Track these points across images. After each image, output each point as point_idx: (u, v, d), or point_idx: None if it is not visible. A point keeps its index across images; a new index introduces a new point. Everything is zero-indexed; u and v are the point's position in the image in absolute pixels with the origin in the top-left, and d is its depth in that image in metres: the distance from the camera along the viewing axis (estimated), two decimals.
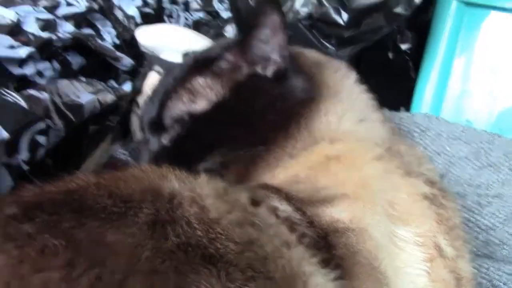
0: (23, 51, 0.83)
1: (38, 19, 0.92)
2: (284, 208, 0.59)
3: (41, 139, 0.75)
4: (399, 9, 1.12)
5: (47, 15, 0.95)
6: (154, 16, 1.31)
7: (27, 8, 0.92)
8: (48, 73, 0.89)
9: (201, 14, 1.51)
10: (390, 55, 1.39)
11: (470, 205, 0.93)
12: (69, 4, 1.02)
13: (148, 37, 1.15)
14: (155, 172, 0.56)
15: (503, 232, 0.90)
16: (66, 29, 0.98)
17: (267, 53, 0.75)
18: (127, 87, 1.09)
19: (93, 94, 0.92)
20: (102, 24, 1.11)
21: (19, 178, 0.71)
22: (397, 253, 0.61)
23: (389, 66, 1.39)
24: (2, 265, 0.42)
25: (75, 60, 0.98)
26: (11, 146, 0.69)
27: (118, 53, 1.08)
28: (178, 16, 1.44)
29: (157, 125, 0.77)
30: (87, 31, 1.06)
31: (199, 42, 1.11)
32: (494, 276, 0.85)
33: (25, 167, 0.73)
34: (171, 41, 1.13)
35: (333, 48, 1.16)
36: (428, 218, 0.65)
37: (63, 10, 1.00)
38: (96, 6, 1.09)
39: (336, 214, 0.60)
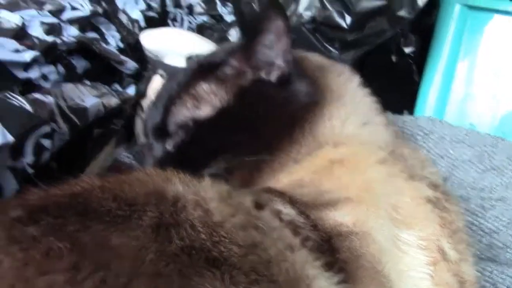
0: (28, 55, 0.84)
1: (42, 23, 0.92)
2: (288, 211, 0.59)
3: (46, 142, 0.76)
4: (402, 13, 1.12)
5: (51, 19, 0.95)
6: (158, 19, 1.31)
7: (32, 12, 0.93)
8: (53, 76, 0.90)
9: (205, 18, 1.51)
10: (394, 58, 1.39)
11: (473, 209, 0.93)
12: (73, 8, 1.03)
13: (152, 40, 1.15)
14: (159, 175, 0.56)
15: (507, 235, 0.90)
16: (71, 33, 0.98)
17: (271, 58, 0.75)
18: (131, 90, 1.10)
19: (97, 98, 0.93)
20: (107, 28, 1.11)
21: (24, 181, 0.71)
22: (400, 256, 0.61)
23: (392, 69, 1.39)
24: (7, 268, 0.42)
25: (80, 64, 0.99)
26: (16, 150, 0.69)
27: (122, 57, 1.08)
28: (182, 19, 1.44)
29: (161, 131, 0.77)
30: (92, 34, 1.06)
31: (203, 46, 1.11)
32: (498, 280, 0.85)
33: (30, 171, 0.73)
34: (175, 45, 1.13)
35: (337, 52, 1.16)
36: (432, 222, 0.65)
37: (67, 14, 1.00)
38: (100, 10, 1.10)
39: (339, 217, 0.60)
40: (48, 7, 0.98)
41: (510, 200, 0.94)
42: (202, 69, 0.79)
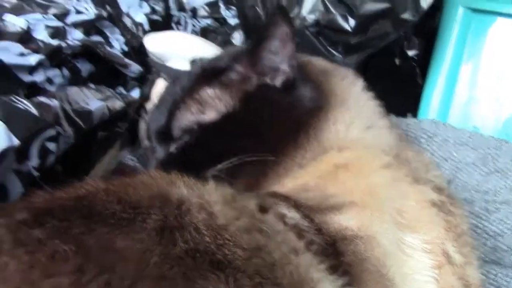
0: (33, 59, 0.84)
1: (47, 27, 0.93)
2: (292, 215, 0.59)
3: (51, 145, 0.76)
4: (406, 15, 1.12)
5: (56, 23, 0.96)
6: (162, 23, 1.32)
7: (37, 16, 0.93)
8: (58, 80, 0.90)
9: (208, 21, 1.51)
10: (397, 61, 1.39)
11: (477, 211, 0.93)
12: (78, 12, 1.03)
13: (156, 44, 1.16)
14: (164, 178, 0.56)
15: (511, 238, 0.90)
16: (75, 36, 0.99)
17: (277, 64, 0.75)
18: (135, 93, 1.10)
19: (102, 101, 0.93)
20: (111, 31, 1.12)
21: (30, 184, 0.71)
22: (405, 260, 0.61)
23: (396, 72, 1.39)
24: (13, 270, 0.42)
25: (84, 67, 0.99)
26: (22, 153, 0.70)
27: (127, 60, 1.09)
28: (186, 23, 1.44)
29: (164, 135, 0.77)
30: (96, 38, 1.07)
31: (207, 49, 1.11)
32: (502, 282, 0.85)
33: (36, 174, 0.73)
34: (179, 48, 1.14)
35: (340, 55, 1.16)
36: (436, 225, 0.65)
37: (72, 18, 1.01)
38: (105, 14, 1.10)
39: (344, 221, 0.60)
40: (53, 10, 0.98)
41: None
42: (206, 74, 0.79)
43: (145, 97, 1.09)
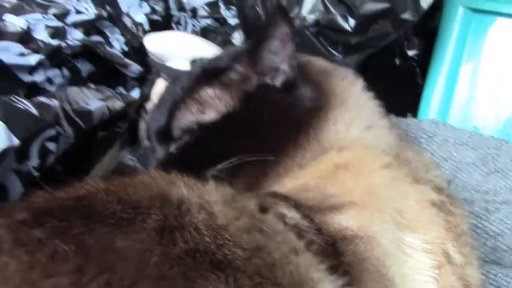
0: (33, 59, 0.84)
1: (47, 27, 0.93)
2: (292, 215, 0.59)
3: (51, 145, 0.76)
4: (406, 15, 1.12)
5: (56, 23, 0.96)
6: (162, 23, 1.32)
7: (37, 16, 0.93)
8: (58, 80, 0.90)
9: (208, 21, 1.51)
10: (397, 61, 1.39)
11: (477, 211, 0.93)
12: (78, 12, 1.03)
13: (156, 44, 1.16)
14: (164, 178, 0.56)
15: (511, 238, 0.90)
16: (75, 36, 0.99)
17: (277, 64, 0.76)
18: (135, 93, 1.10)
19: (102, 101, 0.93)
20: (111, 31, 1.12)
21: (30, 184, 0.71)
22: (405, 260, 0.61)
23: (396, 72, 1.39)
24: (13, 270, 0.42)
25: (84, 67, 0.99)
26: (22, 153, 0.70)
27: (127, 60, 1.09)
28: (186, 23, 1.45)
29: (164, 135, 0.77)
30: (96, 38, 1.07)
31: (207, 49, 1.11)
32: (502, 282, 0.85)
33: (36, 173, 0.73)
34: (179, 48, 1.14)
35: (340, 56, 1.16)
36: (436, 225, 0.65)
37: (72, 18, 1.01)
38: (105, 14, 1.10)
39: (344, 221, 0.61)
40: (53, 10, 0.98)
41: None
42: (206, 74, 0.79)
43: (145, 97, 1.09)
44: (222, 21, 1.53)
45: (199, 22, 1.50)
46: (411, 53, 1.38)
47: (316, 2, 1.13)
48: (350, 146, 0.71)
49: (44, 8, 0.97)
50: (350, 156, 0.69)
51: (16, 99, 0.73)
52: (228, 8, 1.54)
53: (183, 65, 1.05)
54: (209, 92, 0.76)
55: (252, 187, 0.70)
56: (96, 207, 0.50)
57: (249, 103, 0.75)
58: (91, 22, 1.06)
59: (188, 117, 0.75)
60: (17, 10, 0.91)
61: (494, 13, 1.21)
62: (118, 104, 0.98)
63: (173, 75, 1.00)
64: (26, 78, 0.83)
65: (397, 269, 0.59)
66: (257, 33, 0.75)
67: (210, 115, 0.74)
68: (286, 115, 0.74)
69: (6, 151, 0.64)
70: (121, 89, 1.08)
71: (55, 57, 0.90)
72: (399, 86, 1.38)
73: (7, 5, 0.94)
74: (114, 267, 0.43)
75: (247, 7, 1.27)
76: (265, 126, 0.73)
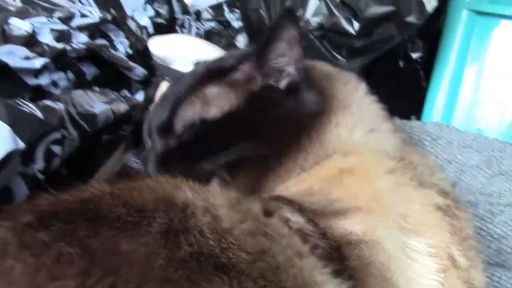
0: (38, 62, 0.84)
1: (52, 30, 0.93)
2: (296, 219, 0.59)
3: (56, 149, 0.76)
4: (411, 18, 1.12)
5: (61, 26, 0.96)
6: (166, 26, 1.32)
7: (42, 19, 0.93)
8: (63, 83, 0.90)
9: (212, 24, 1.52)
10: (401, 64, 1.39)
11: (482, 214, 0.93)
12: (83, 15, 1.03)
13: (161, 47, 1.16)
14: (169, 182, 0.57)
15: None
16: (80, 39, 0.99)
17: (283, 66, 0.76)
18: (139, 96, 1.10)
19: (106, 104, 0.93)
20: (115, 35, 1.12)
21: (35, 187, 0.72)
22: (409, 264, 0.61)
23: (400, 75, 1.39)
24: (19, 274, 0.42)
25: (89, 70, 0.99)
26: (27, 156, 0.70)
27: (131, 63, 1.09)
28: (190, 26, 1.45)
29: (165, 130, 0.78)
30: (101, 41, 1.07)
31: (211, 52, 1.12)
32: (507, 285, 0.85)
33: (41, 176, 0.73)
34: (183, 51, 1.14)
35: (344, 59, 1.16)
36: (441, 229, 0.65)
37: (77, 21, 1.01)
38: (109, 17, 1.10)
39: (349, 226, 0.61)
40: (57, 14, 0.98)
41: None
42: (211, 73, 0.80)
43: (149, 100, 1.10)
44: (226, 24, 1.53)
45: (203, 25, 1.50)
46: (415, 55, 1.38)
47: (320, 5, 1.13)
48: (354, 150, 0.72)
49: (49, 12, 0.97)
50: (355, 160, 0.69)
51: (22, 102, 0.73)
52: (232, 11, 1.54)
53: (188, 68, 1.05)
54: (213, 90, 0.76)
55: (254, 187, 0.71)
56: (101, 210, 0.50)
57: (253, 103, 0.75)
58: (96, 25, 1.06)
59: (191, 113, 0.75)
60: (22, 14, 0.92)
61: (498, 16, 1.21)
62: (122, 107, 0.98)
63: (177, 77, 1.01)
64: (31, 81, 0.83)
65: (402, 273, 0.59)
66: (265, 35, 0.75)
67: (213, 112, 0.75)
68: (289, 117, 0.75)
69: (11, 154, 0.64)
70: (126, 92, 1.08)
71: (60, 60, 0.90)
72: (403, 88, 1.37)
73: (12, 8, 0.95)
74: (119, 270, 0.43)
75: (250, 10, 1.27)
76: (267, 126, 0.74)
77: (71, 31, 0.97)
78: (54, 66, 0.88)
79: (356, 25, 1.11)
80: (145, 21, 1.23)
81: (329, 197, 0.64)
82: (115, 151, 1.00)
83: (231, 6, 1.55)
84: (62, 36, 0.94)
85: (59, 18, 0.97)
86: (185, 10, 1.46)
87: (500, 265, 0.89)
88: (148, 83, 1.14)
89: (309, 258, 0.53)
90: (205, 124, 0.74)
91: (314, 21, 1.14)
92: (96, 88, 0.98)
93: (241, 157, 0.72)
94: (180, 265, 0.45)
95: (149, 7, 1.28)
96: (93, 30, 1.05)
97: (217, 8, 1.55)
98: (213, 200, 0.54)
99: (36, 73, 0.84)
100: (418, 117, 1.32)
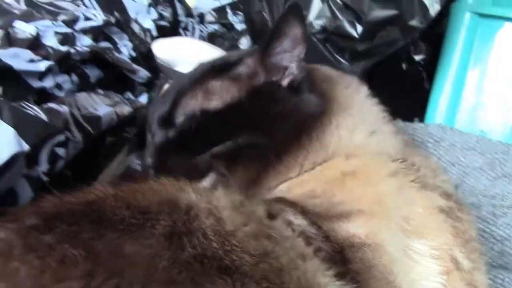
0: (42, 65, 0.85)
1: (57, 33, 0.93)
2: (299, 222, 0.59)
3: (61, 151, 0.76)
4: (414, 22, 1.12)
5: (65, 29, 0.97)
6: (169, 29, 1.32)
7: (47, 22, 0.94)
8: (67, 86, 0.91)
9: (216, 27, 1.52)
10: (404, 66, 1.39)
11: (485, 216, 0.93)
12: (87, 18, 1.04)
13: (164, 49, 1.17)
14: (173, 184, 0.57)
15: None
16: (84, 42, 0.99)
17: (286, 63, 0.76)
18: (143, 99, 1.10)
19: (110, 107, 0.94)
20: (119, 37, 1.12)
21: (39, 189, 0.72)
22: (412, 266, 0.61)
23: (403, 77, 1.39)
24: (24, 275, 0.42)
25: (93, 73, 0.99)
26: (32, 158, 0.70)
27: (135, 66, 1.09)
28: (193, 28, 1.45)
29: (166, 121, 0.78)
30: (105, 44, 1.07)
31: (214, 54, 1.12)
32: (509, 287, 0.85)
33: (45, 179, 0.74)
34: (186, 54, 1.14)
35: (347, 62, 1.16)
36: (444, 231, 0.65)
37: (81, 24, 1.01)
38: (113, 20, 1.11)
39: (352, 229, 0.61)
40: (62, 17, 0.99)
41: None
42: (215, 69, 0.80)
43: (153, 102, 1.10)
44: (229, 26, 1.54)
45: (206, 27, 1.51)
46: (418, 58, 1.38)
47: (323, 8, 1.14)
48: (356, 152, 0.72)
49: (53, 15, 0.98)
50: (357, 163, 0.69)
51: (26, 105, 0.73)
52: (235, 14, 1.55)
53: None
54: (216, 84, 0.77)
55: (252, 182, 0.72)
56: (105, 213, 0.51)
57: (255, 98, 0.75)
58: (100, 28, 1.06)
59: (192, 104, 0.75)
60: (27, 17, 0.92)
61: (501, 18, 1.21)
62: (126, 109, 0.98)
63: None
64: (36, 84, 0.83)
65: (405, 275, 0.59)
66: (270, 29, 0.76)
67: (214, 104, 0.75)
68: (290, 115, 0.75)
69: (16, 156, 0.65)
70: (129, 95, 1.09)
71: (64, 63, 0.90)
72: (406, 90, 1.37)
73: (17, 12, 0.95)
74: (123, 271, 0.44)
75: (254, 12, 1.28)
76: (268, 122, 0.74)
77: (75, 34, 0.98)
78: (58, 68, 0.89)
79: (359, 28, 1.11)
80: (148, 24, 1.24)
81: (332, 200, 0.65)
82: (118, 153, 1.00)
83: (234, 9, 1.55)
84: (66, 39, 0.95)
85: (64, 21, 0.98)
86: (189, 12, 1.46)
87: (503, 267, 0.89)
88: (151, 86, 1.14)
89: (312, 260, 0.53)
90: (206, 115, 0.74)
91: (317, 24, 1.14)
92: (100, 91, 0.98)
93: (241, 148, 0.72)
94: (184, 267, 0.46)
95: (152, 10, 1.28)
96: (97, 33, 1.05)
97: (220, 11, 1.56)
98: (217, 202, 0.54)
99: (41, 75, 0.85)
100: (421, 119, 1.32)
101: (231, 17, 1.54)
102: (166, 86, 1.08)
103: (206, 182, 0.72)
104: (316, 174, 0.70)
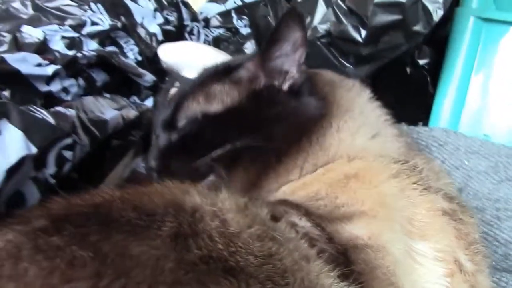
0: (49, 69, 0.86)
1: (64, 38, 0.95)
2: (303, 224, 0.60)
3: (68, 154, 0.77)
4: (418, 27, 1.12)
5: (72, 34, 0.98)
6: (175, 33, 1.33)
7: (54, 27, 0.95)
8: (74, 89, 0.92)
9: (221, 31, 1.53)
10: (408, 70, 1.39)
11: (488, 219, 0.93)
12: (93, 23, 1.05)
13: (170, 54, 1.17)
14: (178, 187, 0.57)
15: None
16: (91, 47, 1.00)
17: (286, 67, 0.77)
18: (149, 102, 1.11)
19: (117, 110, 0.94)
20: (125, 42, 1.13)
21: (46, 191, 0.73)
22: (415, 267, 0.61)
23: (407, 81, 1.39)
24: (33, 276, 0.43)
25: (99, 77, 1.00)
26: (39, 161, 0.71)
27: (141, 70, 1.10)
28: (199, 33, 1.46)
29: (169, 124, 0.79)
30: (111, 48, 1.08)
31: (220, 59, 1.13)
32: None
33: (52, 181, 0.74)
34: (192, 58, 1.15)
35: (351, 67, 1.16)
36: (447, 234, 0.65)
37: (88, 29, 1.02)
38: (119, 24, 1.12)
39: (355, 231, 0.61)
40: (69, 22, 1.00)
41: None
42: (217, 73, 0.81)
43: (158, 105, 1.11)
44: (234, 30, 1.54)
45: (211, 31, 1.51)
46: (422, 62, 1.38)
47: (328, 12, 1.14)
48: (358, 155, 0.72)
49: (60, 20, 0.99)
50: (360, 166, 0.70)
51: (34, 108, 0.74)
52: (240, 18, 1.55)
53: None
54: (217, 87, 0.78)
55: (252, 185, 0.72)
56: (112, 214, 0.51)
57: (255, 101, 0.76)
58: (106, 32, 1.07)
59: (194, 107, 0.77)
60: (34, 22, 0.93)
61: (505, 23, 1.21)
62: (132, 113, 0.99)
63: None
64: (43, 88, 0.84)
65: (407, 277, 0.60)
66: (270, 33, 0.76)
67: (215, 107, 0.76)
68: (290, 118, 0.75)
69: (24, 159, 0.65)
70: (135, 98, 1.10)
71: (71, 67, 0.91)
72: (410, 94, 1.37)
73: (24, 16, 0.96)
74: (130, 272, 0.44)
75: (258, 17, 1.28)
76: (268, 125, 0.74)
77: (82, 38, 0.99)
78: (65, 73, 0.90)
79: (364, 33, 1.11)
80: (154, 28, 1.24)
81: (336, 202, 0.65)
82: (124, 156, 1.00)
83: (240, 13, 1.56)
84: (73, 44, 0.96)
85: (70, 26, 0.99)
86: (194, 17, 1.47)
87: (507, 270, 0.89)
88: (157, 89, 1.15)
89: (316, 262, 0.54)
90: (207, 118, 0.75)
91: (322, 28, 1.15)
92: (107, 95, 0.99)
93: (242, 151, 0.72)
94: (190, 268, 0.46)
95: (158, 14, 1.29)
96: (104, 38, 1.06)
97: (225, 15, 1.56)
98: (221, 204, 0.55)
99: (48, 80, 0.86)
100: (425, 123, 1.32)
101: (236, 22, 1.55)
102: (173, 91, 1.09)
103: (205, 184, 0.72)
104: (319, 177, 0.71)
